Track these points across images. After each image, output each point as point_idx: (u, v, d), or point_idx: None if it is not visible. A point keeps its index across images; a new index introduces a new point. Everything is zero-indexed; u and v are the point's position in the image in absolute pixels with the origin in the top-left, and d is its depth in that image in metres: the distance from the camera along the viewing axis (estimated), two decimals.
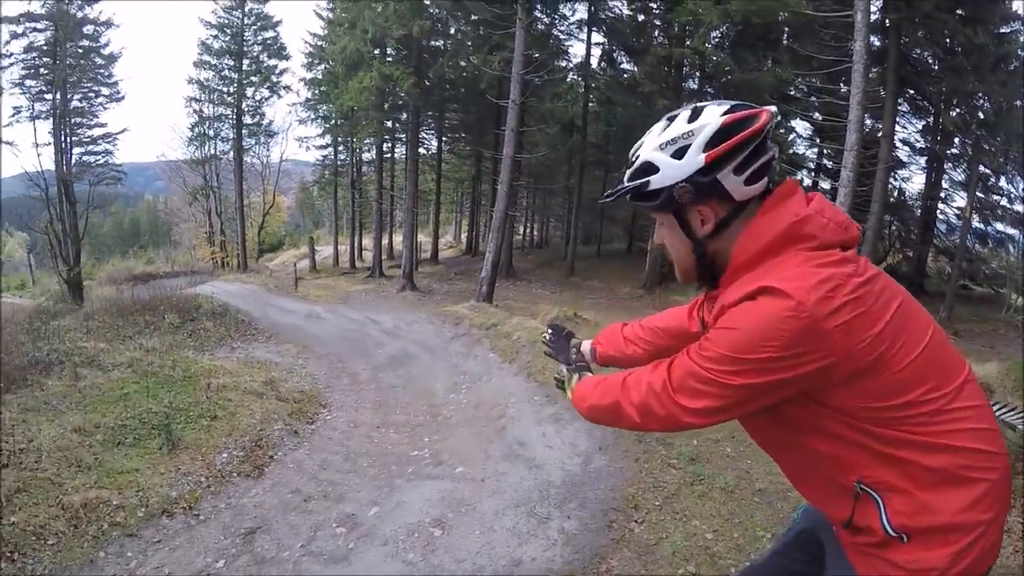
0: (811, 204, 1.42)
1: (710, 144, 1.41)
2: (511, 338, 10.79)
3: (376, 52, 23.89)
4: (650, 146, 1.52)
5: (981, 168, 18.19)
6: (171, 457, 6.14)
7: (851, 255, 1.38)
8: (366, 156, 35.35)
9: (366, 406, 8.80)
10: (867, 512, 1.40)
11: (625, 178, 1.58)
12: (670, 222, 1.56)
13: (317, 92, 31.34)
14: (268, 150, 38.48)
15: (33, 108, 23.74)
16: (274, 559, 4.62)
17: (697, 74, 25.65)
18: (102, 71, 26.96)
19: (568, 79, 27.94)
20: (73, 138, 25.06)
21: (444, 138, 33.93)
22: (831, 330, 1.26)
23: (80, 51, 25.75)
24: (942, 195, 21.06)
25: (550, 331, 2.39)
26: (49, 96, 23.85)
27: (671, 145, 1.46)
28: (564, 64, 27.32)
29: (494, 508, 5.21)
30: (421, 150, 30.92)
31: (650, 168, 1.50)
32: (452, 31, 26.05)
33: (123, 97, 27.72)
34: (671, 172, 1.46)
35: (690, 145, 1.43)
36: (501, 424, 7.35)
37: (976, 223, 19.56)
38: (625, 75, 28.27)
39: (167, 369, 8.80)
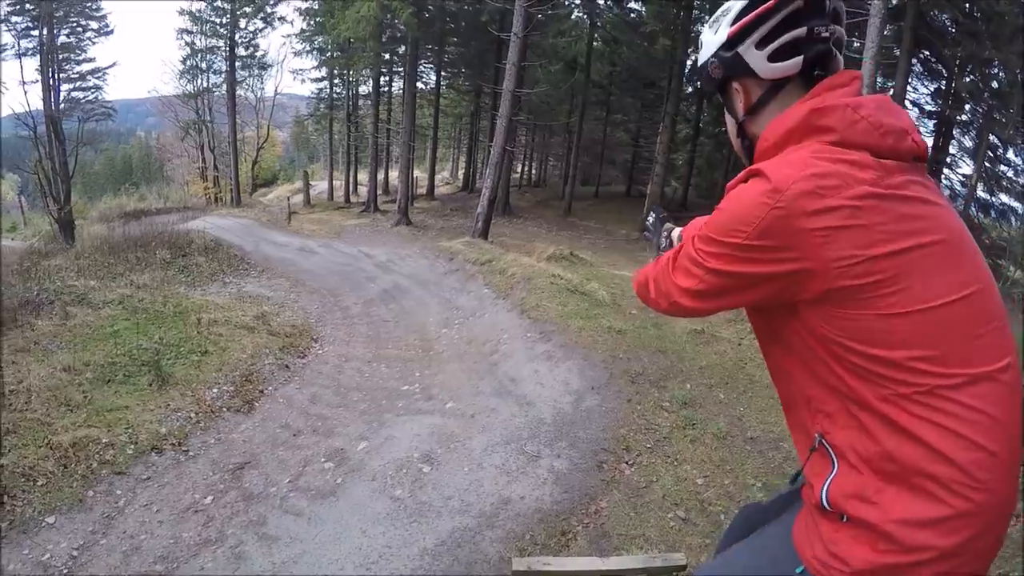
0: (860, 99, 1.27)
1: (736, 18, 1.38)
2: (506, 274, 10.69)
3: None
4: (706, 26, 1.50)
5: (991, 137, 17.76)
6: (161, 393, 6.10)
7: (890, 164, 1.20)
8: (363, 90, 34.48)
9: (358, 340, 8.77)
10: (818, 471, 1.29)
11: None
12: (723, 102, 1.53)
13: (313, 23, 30.38)
14: (262, 83, 37.62)
15: (19, 45, 23.06)
16: (262, 494, 4.62)
17: (706, 17, 24.95)
18: (89, 4, 26.05)
19: (573, 15, 27.25)
20: (61, 75, 24.42)
21: (443, 72, 33.18)
22: (808, 231, 1.12)
23: None
24: (948, 160, 20.62)
25: (652, 215, 2.21)
26: (35, 32, 23.14)
27: (715, 23, 1.45)
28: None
29: (483, 445, 5.21)
30: (419, 84, 30.25)
31: (700, 45, 1.51)
32: None
33: (112, 31, 26.83)
34: (706, 48, 1.47)
35: (723, 21, 1.42)
36: (493, 360, 7.33)
37: (981, 192, 19.11)
38: (632, 14, 27.71)
39: (158, 305, 8.73)
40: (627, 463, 4.87)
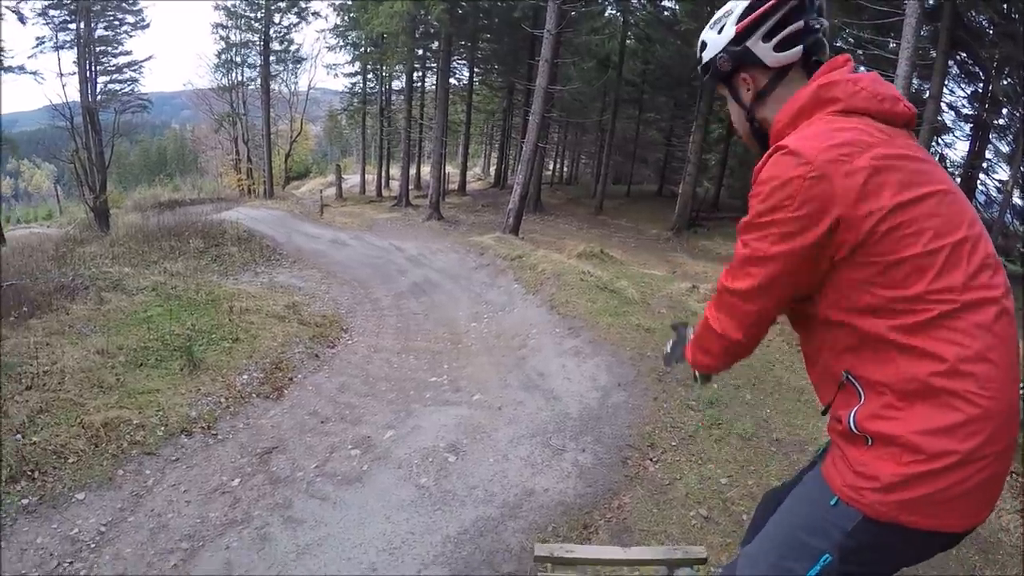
0: (858, 74, 1.46)
1: (742, 17, 1.57)
2: (536, 270, 10.70)
3: None
4: (706, 28, 1.69)
5: None
6: (192, 378, 6.19)
7: (886, 128, 1.39)
8: (396, 85, 34.75)
9: (387, 332, 8.81)
10: (846, 403, 1.42)
11: None
12: (728, 94, 1.71)
13: (346, 18, 30.62)
14: (296, 77, 38.15)
15: (57, 38, 23.39)
16: (288, 478, 4.66)
17: None
18: None
19: (606, 13, 27.07)
20: (98, 67, 24.73)
21: (476, 68, 33.15)
22: (842, 191, 1.28)
23: None
24: (984, 165, 20.11)
25: (670, 343, 2.24)
26: (73, 25, 23.49)
27: (717, 24, 1.65)
28: None
29: (509, 437, 5.21)
30: (452, 80, 30.26)
31: (703, 45, 1.69)
32: None
33: (148, 25, 27.05)
34: (713, 45, 1.65)
35: (727, 21, 1.61)
36: (521, 354, 7.32)
37: (1017, 198, 18.78)
38: (665, 12, 27.58)
39: (190, 293, 8.86)
40: (651, 460, 4.83)
